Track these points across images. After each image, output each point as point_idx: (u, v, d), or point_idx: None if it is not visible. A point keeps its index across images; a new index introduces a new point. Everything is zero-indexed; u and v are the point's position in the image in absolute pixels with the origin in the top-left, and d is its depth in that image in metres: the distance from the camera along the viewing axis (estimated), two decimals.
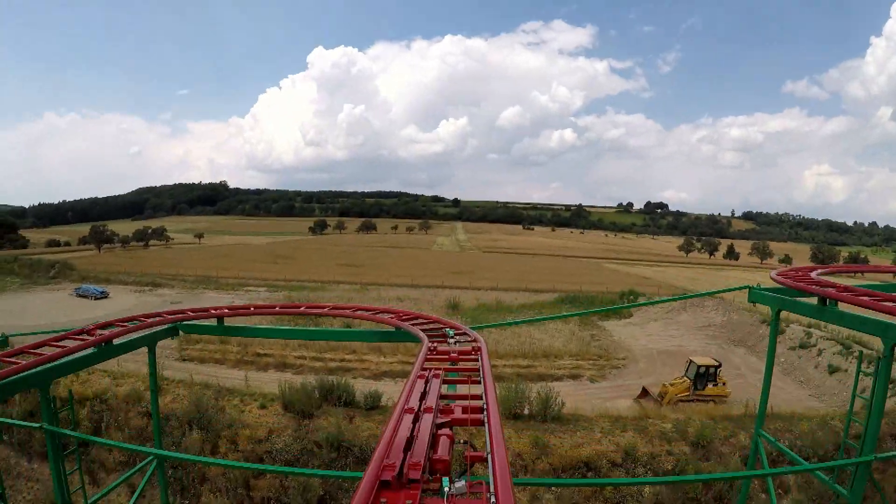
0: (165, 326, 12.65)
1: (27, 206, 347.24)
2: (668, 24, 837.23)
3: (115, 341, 10.88)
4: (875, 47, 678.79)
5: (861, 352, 25.88)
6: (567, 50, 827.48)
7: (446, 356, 8.02)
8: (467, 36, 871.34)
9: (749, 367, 42.65)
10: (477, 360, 7.62)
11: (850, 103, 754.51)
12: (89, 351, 10.33)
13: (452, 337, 10.49)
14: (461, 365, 7.63)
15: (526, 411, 22.34)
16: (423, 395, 5.64)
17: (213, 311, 12.93)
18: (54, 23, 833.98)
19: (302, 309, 12.70)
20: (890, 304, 10.41)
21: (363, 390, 23.61)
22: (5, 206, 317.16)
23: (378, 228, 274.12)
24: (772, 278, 14.00)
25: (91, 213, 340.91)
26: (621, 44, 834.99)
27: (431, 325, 12.16)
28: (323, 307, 12.77)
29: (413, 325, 12.06)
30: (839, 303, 11.71)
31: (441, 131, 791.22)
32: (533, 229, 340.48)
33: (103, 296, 63.44)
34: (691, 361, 34.36)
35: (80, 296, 63.75)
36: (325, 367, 36.02)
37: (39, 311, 54.59)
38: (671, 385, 33.18)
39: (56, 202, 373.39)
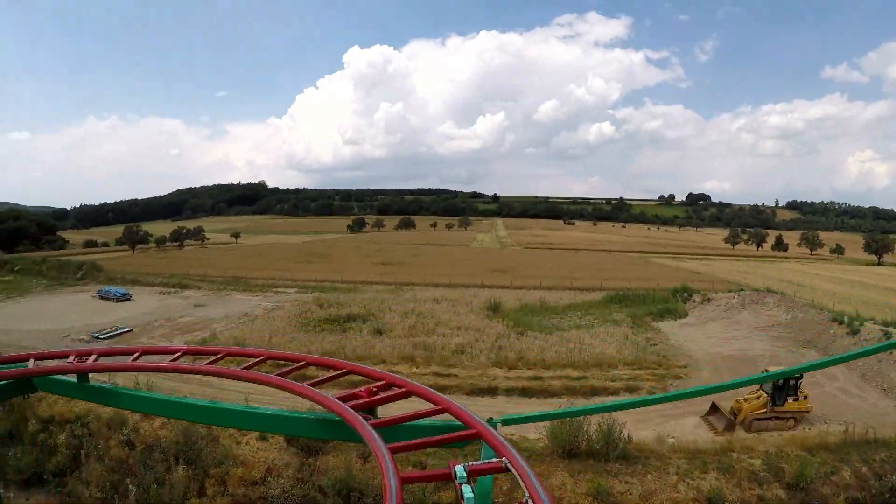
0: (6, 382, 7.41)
1: (69, 208, 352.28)
2: (704, 11, 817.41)
3: None
4: None
5: None
6: (602, 42, 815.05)
7: None
8: (502, 31, 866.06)
9: (824, 374, 37.81)
10: None
11: (891, 86, 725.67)
12: None
13: (462, 477, 4.40)
14: None
15: (584, 446, 17.83)
16: None
17: (72, 361, 7.74)
18: (93, 29, 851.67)
19: (206, 365, 7.71)
20: None
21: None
22: (48, 207, 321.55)
23: (417, 226, 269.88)
24: None
25: (131, 214, 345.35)
26: (657, 34, 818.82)
27: (420, 414, 6.72)
28: (251, 354, 7.71)
29: (378, 422, 6.41)
30: None
31: (478, 127, 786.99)
32: (574, 224, 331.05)
33: (125, 298, 60.87)
34: (766, 370, 29.66)
35: (102, 298, 61.22)
36: (349, 382, 32.27)
37: (58, 315, 52.47)
38: (745, 400, 28.64)
39: (97, 204, 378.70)
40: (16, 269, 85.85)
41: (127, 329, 45.70)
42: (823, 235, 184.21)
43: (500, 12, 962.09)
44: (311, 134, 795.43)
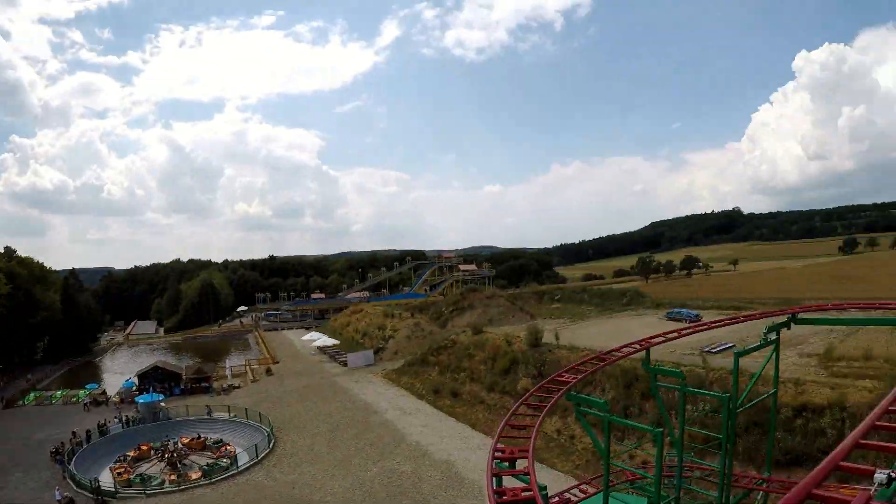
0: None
1: (550, 247, 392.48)
2: None
3: None
4: None
5: None
6: None
7: None
8: None
9: None
10: None
11: None
12: None
13: None
14: None
15: None
16: None
17: None
18: (539, 86, 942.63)
19: None
20: None
21: None
22: (529, 248, 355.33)
23: None
24: None
25: (609, 249, 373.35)
26: None
27: None
28: None
29: None
30: None
31: None
32: None
33: (697, 319, 63.25)
34: None
35: (672, 319, 66.60)
36: None
37: (648, 333, 58.77)
38: None
39: (576, 241, 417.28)
40: (556, 298, 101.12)
41: (730, 344, 47.22)
42: None
43: None
44: (773, 153, 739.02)
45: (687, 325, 36.07)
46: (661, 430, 18.54)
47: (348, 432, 47.91)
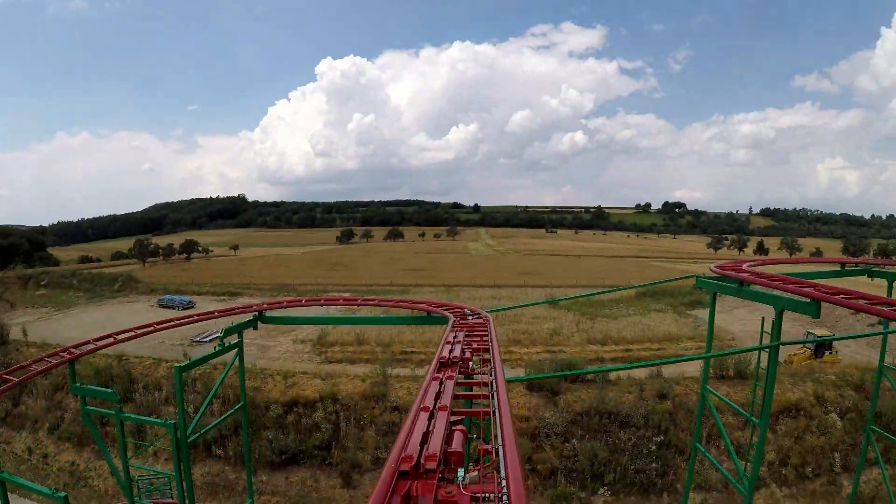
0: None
1: (46, 225, 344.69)
2: (678, 21, 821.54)
3: None
4: (885, 39, 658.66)
5: None
6: (577, 52, 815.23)
7: (467, 325, 14.00)
8: (476, 42, 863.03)
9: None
10: (485, 329, 13.29)
11: (861, 96, 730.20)
12: None
13: (469, 315, 16.81)
14: (476, 333, 12.80)
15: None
16: (438, 395, 6.43)
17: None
18: (58, 42, 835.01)
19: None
20: (778, 283, 15.69)
21: None
22: (23, 225, 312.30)
23: (405, 236, 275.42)
24: (711, 269, 20.03)
25: (110, 230, 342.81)
26: (631, 43, 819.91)
27: (455, 310, 18.76)
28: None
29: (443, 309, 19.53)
30: (752, 284, 16.78)
31: (451, 138, 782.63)
32: (556, 232, 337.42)
33: (190, 305, 62.71)
34: (809, 333, 37.83)
35: (164, 307, 63.14)
36: None
37: (130, 323, 54.51)
38: (795, 355, 36.74)
39: (75, 220, 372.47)
40: (42, 283, 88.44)
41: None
42: (800, 241, 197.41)
43: (475, 23, 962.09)
44: (284, 146, 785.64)
45: (169, 317, 32.42)
46: (63, 494, 15.70)
47: None
